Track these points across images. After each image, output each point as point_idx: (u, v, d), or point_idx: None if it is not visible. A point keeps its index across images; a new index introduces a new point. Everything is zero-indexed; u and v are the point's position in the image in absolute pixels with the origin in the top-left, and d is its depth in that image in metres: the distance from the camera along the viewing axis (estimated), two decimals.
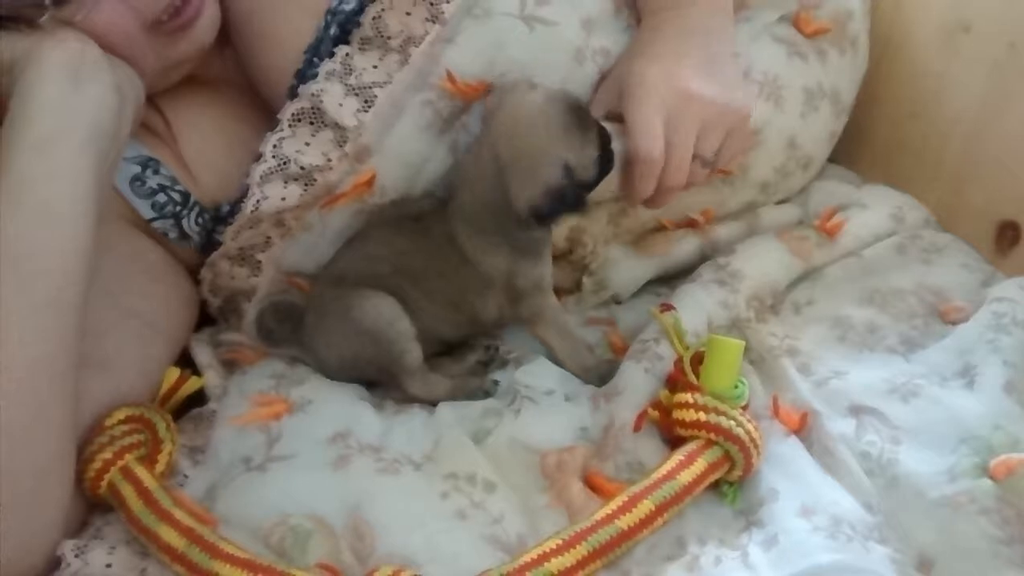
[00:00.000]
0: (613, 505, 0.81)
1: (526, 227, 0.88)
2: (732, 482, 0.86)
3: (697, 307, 0.96)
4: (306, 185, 0.93)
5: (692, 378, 0.89)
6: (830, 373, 0.94)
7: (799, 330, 0.99)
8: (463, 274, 0.91)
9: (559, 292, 1.02)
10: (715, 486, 0.87)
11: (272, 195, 0.93)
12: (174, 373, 0.91)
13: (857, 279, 1.05)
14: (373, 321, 0.90)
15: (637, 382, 0.90)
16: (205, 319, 1.02)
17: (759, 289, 1.03)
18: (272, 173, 0.91)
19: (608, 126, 0.89)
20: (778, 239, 1.08)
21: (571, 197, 0.85)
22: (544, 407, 0.89)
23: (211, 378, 0.95)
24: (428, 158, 0.96)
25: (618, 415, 0.87)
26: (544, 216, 0.85)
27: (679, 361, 0.92)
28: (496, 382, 0.94)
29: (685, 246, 1.06)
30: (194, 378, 0.93)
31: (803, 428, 0.90)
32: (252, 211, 0.93)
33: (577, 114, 0.86)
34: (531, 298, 0.93)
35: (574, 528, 0.78)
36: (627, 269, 1.05)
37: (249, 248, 0.98)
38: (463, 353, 1.03)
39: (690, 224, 1.06)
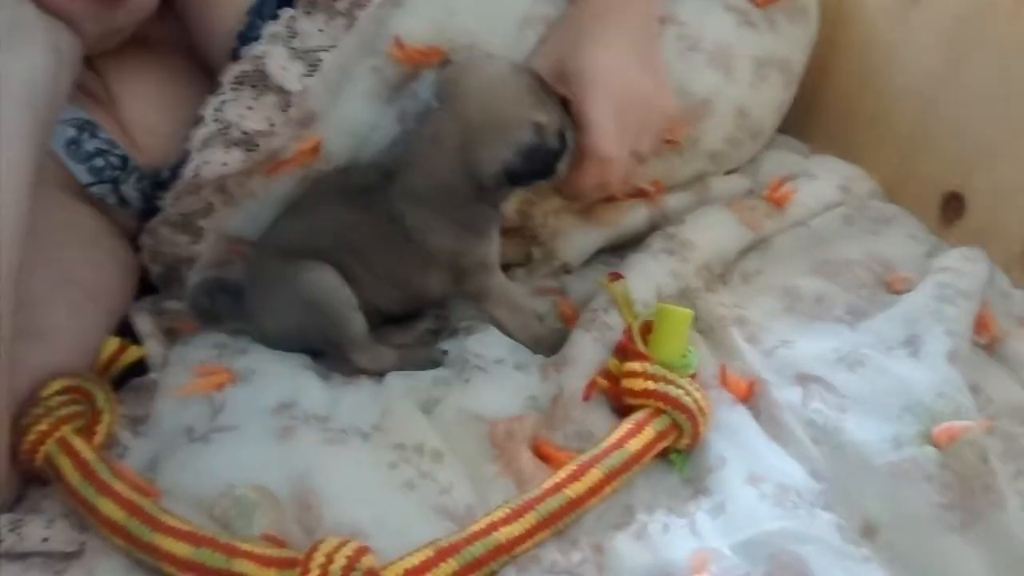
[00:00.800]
0: (562, 474, 0.80)
1: (486, 199, 0.89)
2: (680, 450, 0.86)
3: (646, 276, 0.96)
4: (248, 150, 0.91)
5: (641, 347, 0.89)
6: (778, 342, 0.94)
7: (748, 300, 0.99)
8: (406, 251, 0.91)
9: (508, 265, 1.01)
10: (664, 454, 0.86)
11: (213, 160, 0.92)
12: (113, 343, 0.90)
13: (806, 249, 1.05)
14: (315, 292, 0.89)
15: (586, 351, 0.90)
16: (147, 288, 1.00)
17: (709, 259, 1.03)
18: (213, 138, 0.89)
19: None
20: (728, 209, 1.08)
21: (542, 158, 0.87)
22: (494, 376, 0.88)
23: (152, 347, 0.94)
24: (375, 126, 0.95)
25: (567, 384, 0.86)
26: (517, 177, 0.87)
27: (628, 330, 0.91)
28: (445, 352, 0.92)
29: (635, 216, 1.05)
30: (134, 347, 0.91)
31: (751, 397, 0.90)
32: (192, 177, 0.90)
33: (542, 84, 0.88)
34: (476, 276, 0.93)
35: (522, 497, 0.78)
36: (577, 239, 1.04)
37: (191, 215, 0.96)
38: (412, 323, 1.02)
39: (640, 194, 1.04)
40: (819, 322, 0.99)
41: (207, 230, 0.96)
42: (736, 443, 0.86)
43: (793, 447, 0.81)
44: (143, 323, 0.96)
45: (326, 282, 0.89)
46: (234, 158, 0.92)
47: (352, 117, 0.94)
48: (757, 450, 0.85)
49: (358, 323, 0.90)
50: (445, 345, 0.94)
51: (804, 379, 0.92)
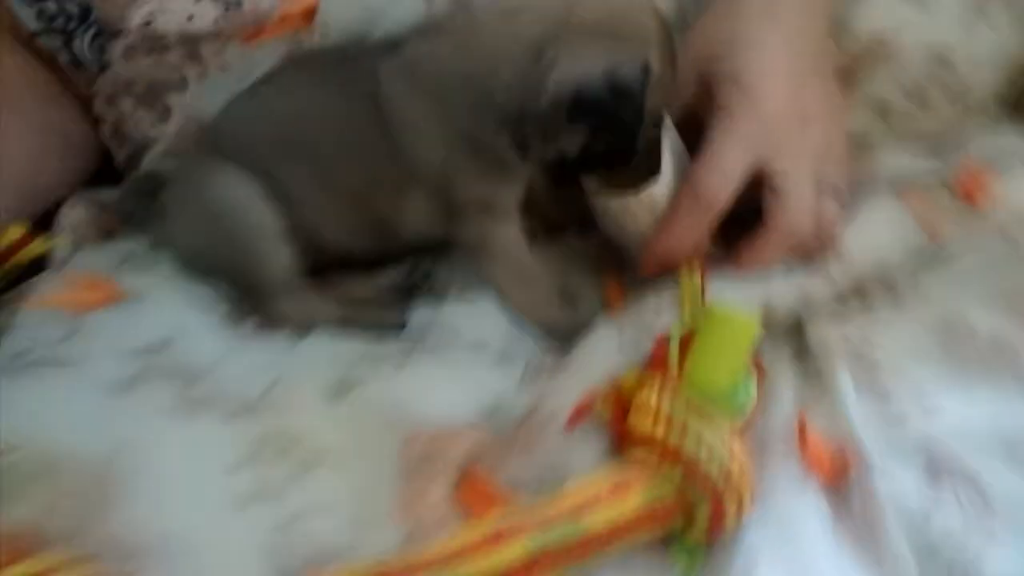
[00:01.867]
0: (469, 536, 0.48)
1: (515, 136, 0.65)
2: (689, 546, 0.51)
3: (752, 282, 0.68)
4: (226, 7, 0.75)
5: (674, 364, 0.55)
6: (911, 400, 0.61)
7: (885, 329, 0.67)
8: (380, 156, 0.67)
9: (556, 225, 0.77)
10: (663, 541, 0.52)
11: (175, 9, 0.75)
12: (16, 231, 0.74)
13: (997, 270, 0.72)
14: (223, 206, 0.68)
15: (602, 357, 0.63)
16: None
17: (859, 269, 0.72)
18: None
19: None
20: (897, 199, 0.77)
21: (632, 115, 0.63)
22: (453, 364, 0.65)
23: (60, 243, 0.77)
24: None
25: (551, 398, 0.60)
26: (584, 116, 0.62)
27: (663, 338, 0.57)
28: (405, 319, 0.69)
29: None
30: (39, 240, 0.75)
31: (837, 477, 0.54)
32: (143, 24, 0.76)
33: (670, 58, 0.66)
34: (472, 218, 0.68)
35: (383, 564, 0.46)
36: None
37: (157, 86, 0.80)
38: (382, 272, 0.72)
39: None
40: (989, 380, 0.62)
41: (176, 109, 0.80)
42: (787, 548, 0.50)
43: None
44: (69, 215, 0.80)
45: (234, 196, 0.68)
46: (205, 12, 0.76)
47: None
48: (819, 569, 0.49)
49: (281, 257, 0.69)
50: (417, 310, 0.70)
51: (938, 468, 0.57)
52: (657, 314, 0.65)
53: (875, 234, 0.74)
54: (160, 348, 0.63)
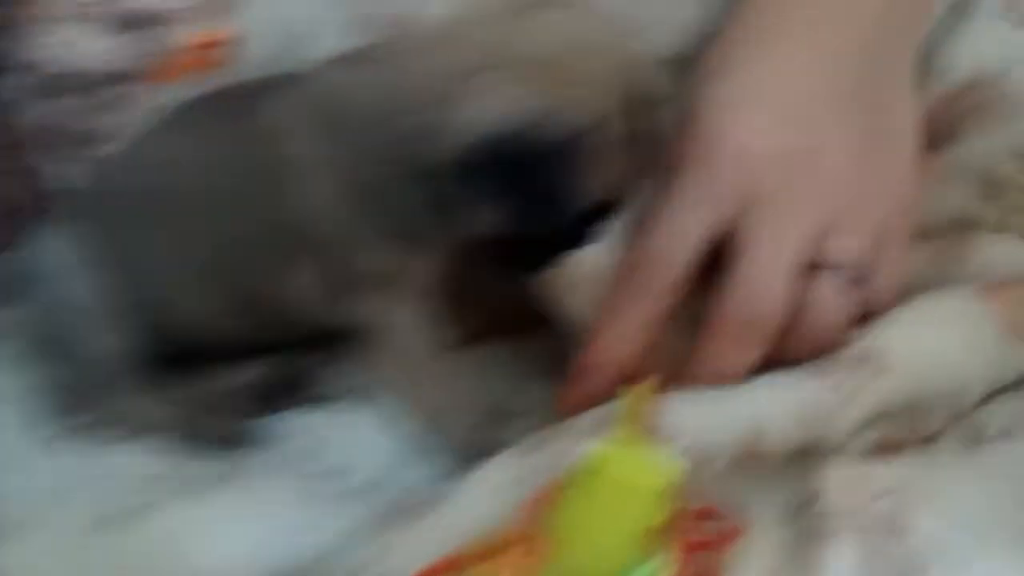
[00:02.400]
0: None
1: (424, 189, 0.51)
2: None
3: (740, 394, 0.50)
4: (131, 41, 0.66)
5: (541, 529, 0.36)
6: None
7: (933, 478, 0.49)
8: (263, 213, 0.54)
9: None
10: None
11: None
12: None
13: None
14: (38, 274, 0.56)
15: (484, 497, 0.47)
16: None
17: (912, 388, 0.51)
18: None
19: None
20: (980, 299, 0.55)
21: (559, 173, 0.49)
22: (276, 496, 0.50)
23: None
24: (321, 23, 0.62)
25: (389, 557, 0.45)
26: (488, 175, 0.49)
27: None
28: (239, 429, 0.54)
29: None
30: None
31: None
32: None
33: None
34: (365, 297, 0.54)
35: None
36: None
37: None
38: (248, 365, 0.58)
39: None
40: None
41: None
42: None
43: None
44: None
45: (51, 263, 0.56)
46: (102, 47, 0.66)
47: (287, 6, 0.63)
48: None
49: (106, 341, 0.55)
50: (278, 418, 0.55)
51: None
52: (579, 438, 0.47)
53: (939, 341, 0.53)
54: None
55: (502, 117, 0.48)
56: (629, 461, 0.39)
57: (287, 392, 0.57)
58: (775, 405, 0.50)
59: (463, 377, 0.55)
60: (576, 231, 0.51)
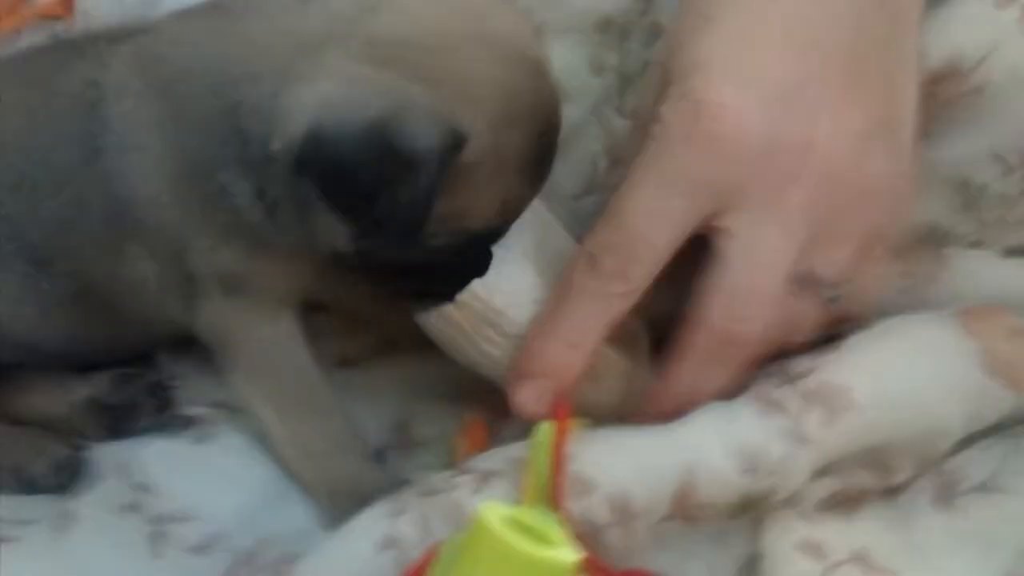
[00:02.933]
0: None
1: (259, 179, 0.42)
2: None
3: (678, 429, 0.42)
4: None
5: None
6: None
7: (904, 548, 0.44)
8: (90, 191, 0.45)
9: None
10: None
11: None
12: None
13: None
14: None
15: (352, 559, 0.39)
16: None
17: (880, 439, 0.45)
18: None
19: None
20: (959, 330, 0.48)
21: (403, 175, 0.38)
22: (83, 552, 0.42)
23: None
24: None
25: None
26: (318, 176, 0.39)
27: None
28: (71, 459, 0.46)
29: None
30: None
31: None
32: None
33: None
34: (213, 305, 0.45)
35: None
36: None
37: None
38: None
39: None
40: None
41: None
42: None
43: None
44: None
45: None
46: None
47: None
48: None
49: None
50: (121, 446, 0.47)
51: None
52: (469, 492, 0.40)
53: (910, 377, 0.46)
54: None
55: (338, 113, 0.38)
56: (513, 537, 0.30)
57: (133, 411, 0.47)
58: (712, 446, 0.42)
59: (346, 404, 0.46)
60: (467, 261, 0.43)
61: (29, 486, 0.45)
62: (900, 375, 0.46)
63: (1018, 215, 0.52)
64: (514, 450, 0.42)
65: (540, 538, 0.33)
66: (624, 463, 0.41)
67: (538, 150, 0.42)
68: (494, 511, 0.33)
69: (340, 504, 0.43)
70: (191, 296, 0.45)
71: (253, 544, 0.43)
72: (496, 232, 0.43)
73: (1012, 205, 0.52)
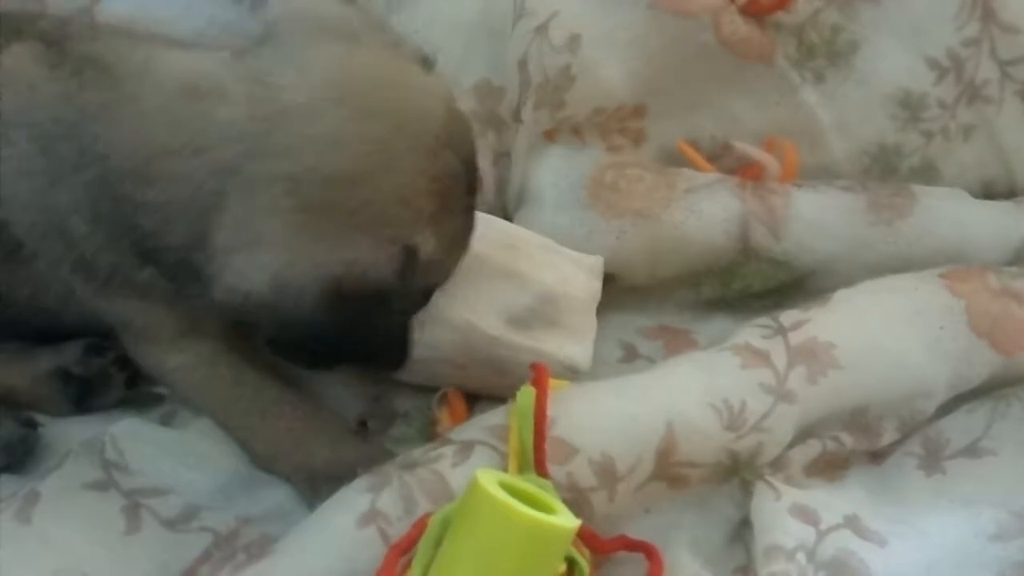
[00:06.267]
0: None
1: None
2: None
3: (658, 393, 0.42)
4: None
5: None
6: None
7: (891, 515, 0.43)
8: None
9: None
10: None
11: None
12: None
13: None
14: None
15: (337, 535, 0.37)
16: None
17: (862, 400, 0.45)
18: None
19: None
20: (943, 286, 0.48)
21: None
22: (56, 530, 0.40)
23: None
24: None
25: None
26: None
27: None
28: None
29: (706, 221, 0.51)
30: None
31: None
32: None
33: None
34: (137, 346, 0.45)
35: None
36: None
37: None
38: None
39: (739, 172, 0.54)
40: None
41: None
42: None
43: None
44: None
45: None
46: None
47: None
48: None
49: None
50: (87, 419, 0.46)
51: None
52: (450, 463, 0.39)
53: (896, 336, 0.46)
54: None
55: (290, 288, 0.38)
56: (514, 503, 0.29)
57: (99, 386, 0.46)
58: (692, 400, 0.42)
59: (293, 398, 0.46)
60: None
61: None
62: (884, 334, 0.46)
63: (961, 121, 0.55)
64: (493, 418, 0.41)
65: (537, 504, 0.32)
66: (605, 424, 0.41)
67: (468, 211, 0.42)
68: (490, 478, 0.32)
69: (320, 488, 0.42)
70: (103, 293, 0.43)
71: (234, 522, 0.41)
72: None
73: (952, 112, 0.54)
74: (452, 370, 0.46)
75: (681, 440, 0.40)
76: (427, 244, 0.39)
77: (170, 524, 0.41)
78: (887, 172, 0.54)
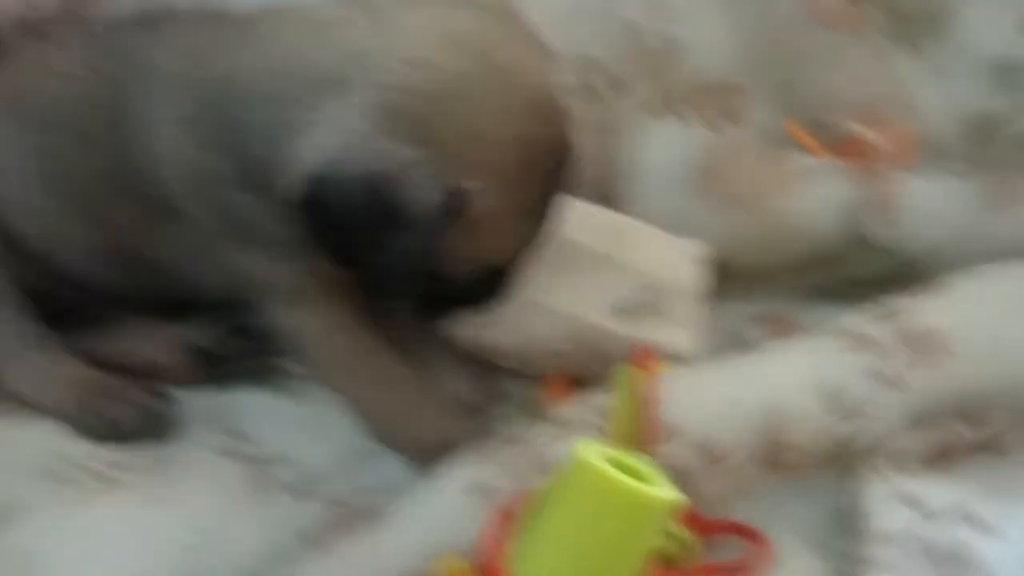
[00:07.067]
0: None
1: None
2: None
3: (763, 379, 0.42)
4: None
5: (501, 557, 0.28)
6: None
7: (1004, 505, 0.41)
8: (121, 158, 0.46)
9: None
10: None
11: None
12: None
13: None
14: None
15: (442, 507, 0.39)
16: None
17: (974, 388, 0.44)
18: None
19: None
20: None
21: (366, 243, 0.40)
22: (181, 497, 0.43)
23: None
24: None
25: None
26: (325, 226, 0.40)
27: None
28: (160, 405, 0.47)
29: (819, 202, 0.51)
30: None
31: None
32: None
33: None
34: (270, 307, 0.46)
35: None
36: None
37: None
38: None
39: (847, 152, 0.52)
40: None
41: None
42: None
43: None
44: None
45: None
46: None
47: None
48: None
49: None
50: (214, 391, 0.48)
51: None
52: (552, 439, 0.40)
53: (1009, 323, 0.44)
54: None
55: (339, 168, 0.39)
56: (609, 476, 0.30)
57: (228, 358, 0.49)
58: (797, 384, 0.42)
59: (412, 372, 0.47)
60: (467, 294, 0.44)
61: (118, 435, 0.46)
62: (1000, 321, 0.45)
63: None
64: (596, 399, 0.42)
65: (638, 477, 0.33)
66: (708, 406, 0.41)
67: (547, 188, 0.42)
68: (593, 450, 0.33)
69: (430, 459, 0.43)
70: (251, 299, 0.46)
71: (349, 491, 0.43)
72: (515, 261, 0.44)
73: None
74: (554, 358, 0.47)
75: (783, 423, 0.41)
76: (483, 197, 0.39)
77: (293, 491, 0.43)
78: (986, 141, 0.53)
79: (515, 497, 0.36)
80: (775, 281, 0.53)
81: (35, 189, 0.48)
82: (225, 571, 0.40)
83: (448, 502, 0.39)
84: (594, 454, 0.32)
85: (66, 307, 0.49)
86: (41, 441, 0.45)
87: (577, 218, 0.47)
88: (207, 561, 0.40)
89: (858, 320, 0.44)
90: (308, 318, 0.46)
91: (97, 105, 0.47)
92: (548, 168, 0.41)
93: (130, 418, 0.46)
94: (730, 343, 0.50)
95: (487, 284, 0.44)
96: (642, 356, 0.41)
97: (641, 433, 0.39)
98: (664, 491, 0.32)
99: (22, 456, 0.45)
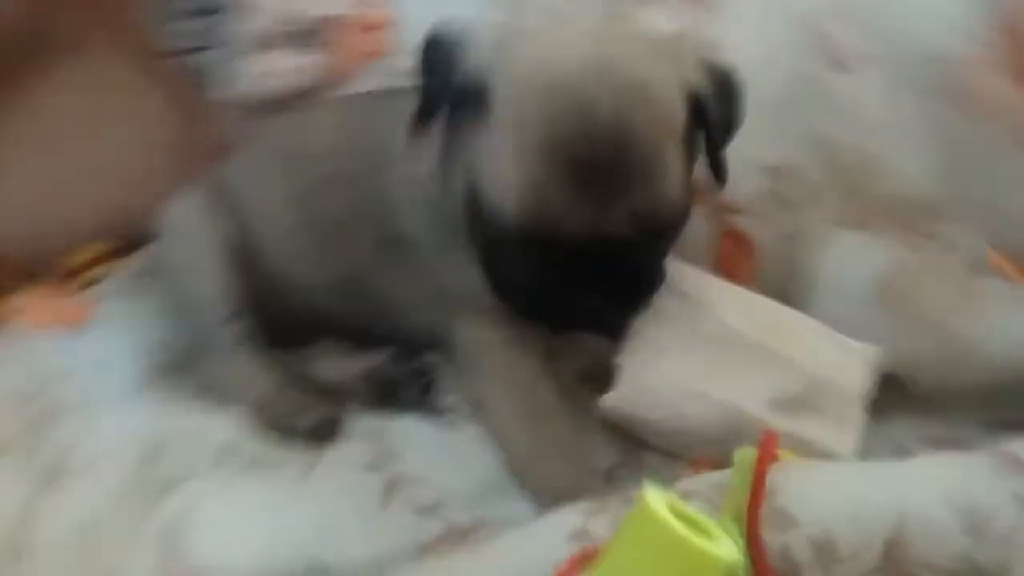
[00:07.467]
0: None
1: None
2: None
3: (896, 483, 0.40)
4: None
5: None
6: None
7: None
8: (369, 192, 0.53)
9: None
10: None
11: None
12: (96, 248, 0.67)
13: None
14: (171, 230, 0.57)
15: (541, 543, 0.40)
16: None
17: None
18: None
19: None
20: None
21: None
22: (327, 495, 0.48)
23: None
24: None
25: None
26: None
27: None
28: (333, 418, 0.52)
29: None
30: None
31: None
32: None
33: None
34: (460, 317, 0.50)
35: None
36: None
37: None
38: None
39: None
40: None
41: None
42: None
43: None
44: None
45: (182, 221, 0.57)
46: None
47: None
48: None
49: (223, 296, 0.55)
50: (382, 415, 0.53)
51: None
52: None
53: None
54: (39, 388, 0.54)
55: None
56: (674, 522, 0.30)
57: (403, 388, 0.53)
58: (932, 495, 0.38)
59: (564, 415, 0.49)
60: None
61: (291, 433, 0.50)
62: None
63: None
64: (718, 476, 0.41)
65: (701, 531, 0.32)
66: (832, 502, 0.38)
67: (570, 168, 0.42)
68: (659, 496, 0.33)
69: (552, 504, 0.44)
70: (447, 308, 0.50)
71: (469, 520, 0.45)
72: (541, 237, 0.43)
73: None
74: (706, 444, 0.46)
75: (913, 535, 0.38)
76: (500, 98, 0.43)
77: (417, 510, 0.46)
78: None
79: (601, 543, 0.36)
80: (958, 408, 0.50)
81: (294, 230, 0.55)
82: (337, 565, 0.43)
83: (549, 542, 0.39)
84: (658, 500, 0.32)
85: (283, 327, 0.55)
86: (220, 428, 0.50)
87: (746, 308, 0.47)
88: (323, 556, 0.43)
89: (1020, 444, 0.41)
90: (490, 331, 0.49)
91: (354, 157, 0.53)
92: (583, 182, 0.42)
93: (307, 420, 0.51)
94: (891, 456, 0.47)
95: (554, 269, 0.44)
96: (769, 442, 0.40)
97: (751, 513, 0.38)
98: (722, 547, 0.32)
99: (201, 438, 0.50)
